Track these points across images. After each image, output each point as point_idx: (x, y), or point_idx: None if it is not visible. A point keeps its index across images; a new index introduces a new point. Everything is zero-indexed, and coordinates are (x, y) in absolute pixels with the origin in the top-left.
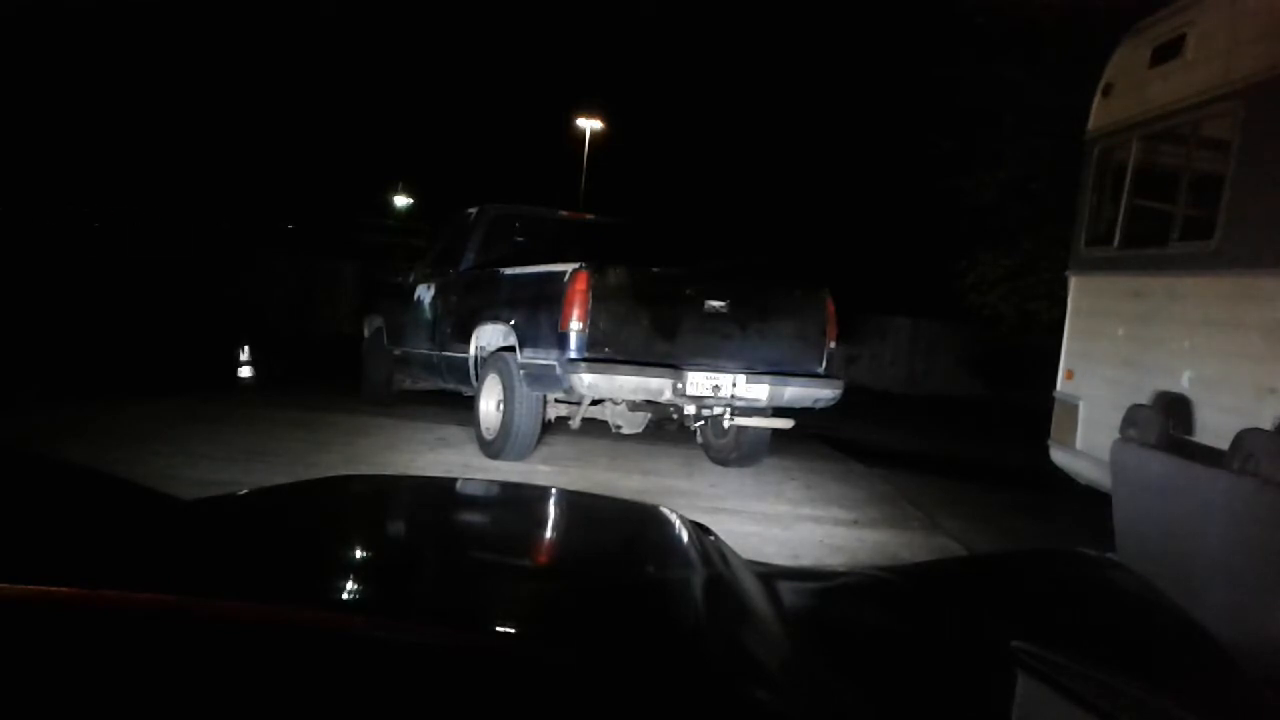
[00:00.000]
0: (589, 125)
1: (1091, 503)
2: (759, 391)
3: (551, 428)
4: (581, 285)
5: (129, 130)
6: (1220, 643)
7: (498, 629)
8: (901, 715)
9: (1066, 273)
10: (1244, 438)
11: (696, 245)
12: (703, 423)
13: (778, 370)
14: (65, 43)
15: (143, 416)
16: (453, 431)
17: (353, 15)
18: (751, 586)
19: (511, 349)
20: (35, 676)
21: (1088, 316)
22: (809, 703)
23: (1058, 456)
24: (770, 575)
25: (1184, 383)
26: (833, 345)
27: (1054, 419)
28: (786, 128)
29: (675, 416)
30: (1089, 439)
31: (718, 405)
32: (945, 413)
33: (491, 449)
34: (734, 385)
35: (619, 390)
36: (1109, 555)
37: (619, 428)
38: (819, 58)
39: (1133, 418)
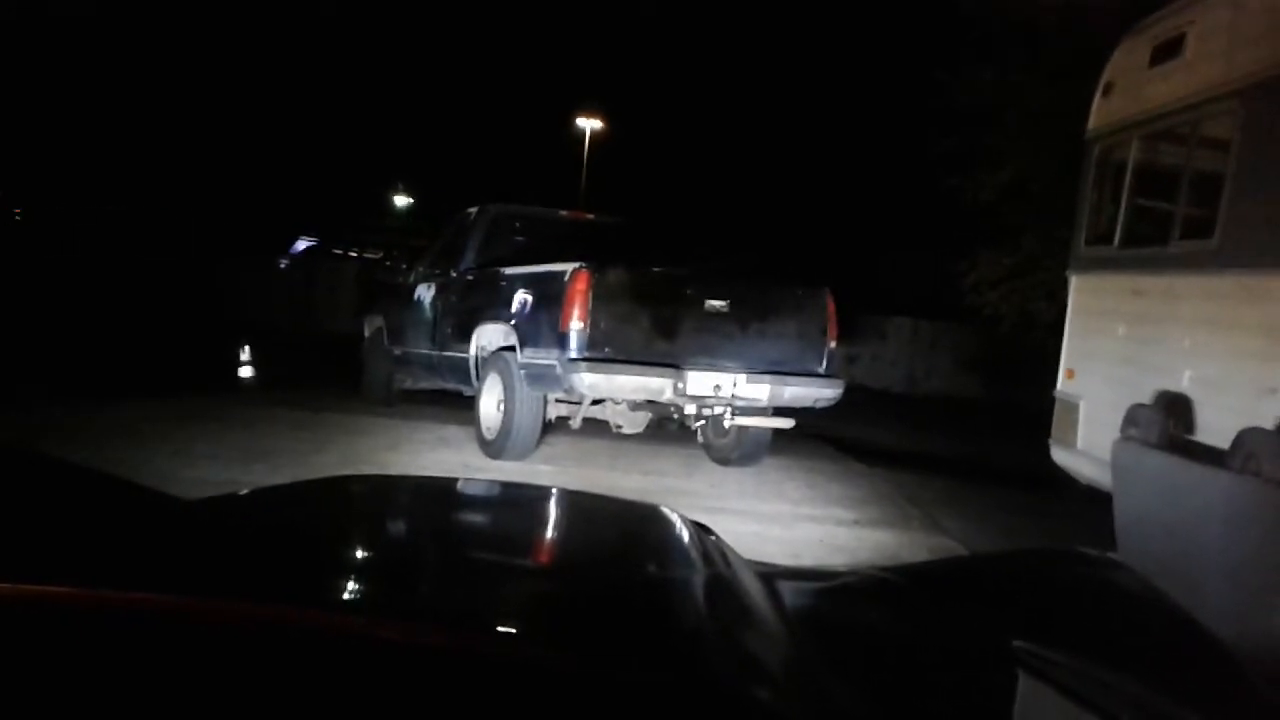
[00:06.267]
0: (589, 125)
1: (1092, 502)
2: (760, 391)
3: (552, 428)
4: (582, 285)
5: (128, 130)
6: (1221, 642)
7: (498, 629)
8: (903, 715)
9: (1067, 272)
10: (1245, 437)
11: (697, 245)
12: (703, 422)
13: (778, 370)
14: (66, 45)
15: (143, 416)
16: (453, 431)
17: (352, 15)
18: (752, 586)
19: (512, 349)
20: (35, 676)
21: (1088, 316)
22: (810, 703)
23: (1058, 456)
24: (771, 575)
25: (1185, 382)
26: (833, 345)
27: (1054, 418)
28: (787, 127)
29: (676, 416)
30: (1090, 438)
31: (718, 405)
32: (946, 412)
33: (492, 449)
34: (735, 385)
35: (620, 390)
36: (1110, 554)
37: (619, 427)
38: (819, 58)
39: (1134, 417)
